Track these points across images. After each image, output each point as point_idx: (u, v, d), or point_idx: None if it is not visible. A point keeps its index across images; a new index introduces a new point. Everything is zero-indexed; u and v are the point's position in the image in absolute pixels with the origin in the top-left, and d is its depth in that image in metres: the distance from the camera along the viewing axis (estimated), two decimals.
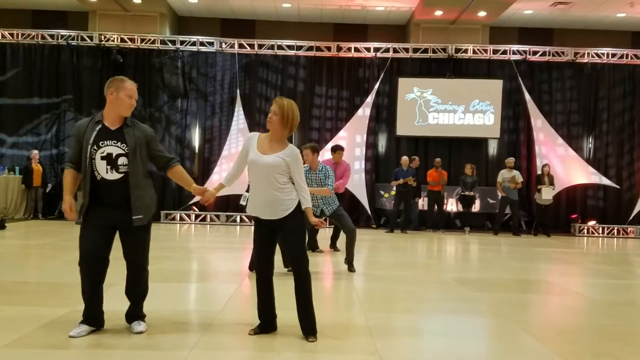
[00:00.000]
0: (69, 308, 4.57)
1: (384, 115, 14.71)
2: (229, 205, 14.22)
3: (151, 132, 4.04)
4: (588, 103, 14.68)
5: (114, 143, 3.80)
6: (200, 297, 5.83)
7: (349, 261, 7.18)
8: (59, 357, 3.51)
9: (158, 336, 3.97)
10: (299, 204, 4.00)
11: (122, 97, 3.85)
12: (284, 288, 4.35)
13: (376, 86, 14.43)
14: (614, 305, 5.62)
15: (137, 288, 4.05)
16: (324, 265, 7.85)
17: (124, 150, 3.81)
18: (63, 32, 14.21)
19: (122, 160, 3.80)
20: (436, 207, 13.55)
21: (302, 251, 4.05)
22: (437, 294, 6.06)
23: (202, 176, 14.18)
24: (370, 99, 14.40)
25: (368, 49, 14.49)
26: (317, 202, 6.87)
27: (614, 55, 14.52)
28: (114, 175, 3.78)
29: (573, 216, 14.52)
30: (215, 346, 3.82)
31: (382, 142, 14.72)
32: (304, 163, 6.79)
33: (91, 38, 14.15)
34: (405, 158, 13.14)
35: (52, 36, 14.17)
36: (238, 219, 14.02)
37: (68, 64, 14.17)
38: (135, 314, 4.09)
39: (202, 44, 14.34)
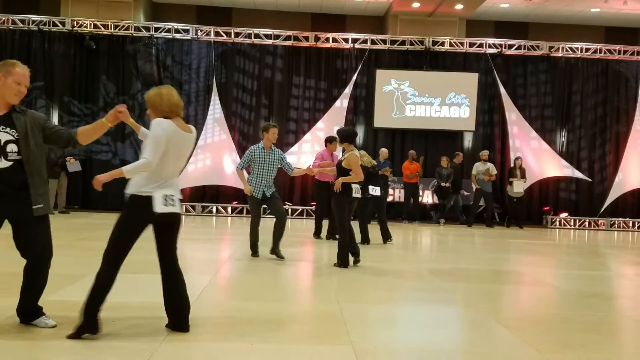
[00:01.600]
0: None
1: (362, 107, 14.72)
2: (205, 195, 14.10)
3: (44, 116, 3.85)
4: (562, 97, 14.89)
5: (2, 129, 3.58)
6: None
7: (275, 248, 6.97)
8: (30, 348, 3.44)
9: (128, 328, 3.91)
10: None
11: (9, 83, 3.59)
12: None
13: (354, 77, 14.41)
14: (585, 296, 5.72)
15: (39, 282, 3.79)
16: (302, 255, 7.83)
17: (13, 136, 3.59)
18: (34, 17, 13.84)
19: (11, 147, 3.57)
20: (412, 199, 13.64)
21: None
22: (411, 284, 6.09)
23: None
24: (348, 91, 14.38)
25: (346, 40, 14.44)
26: (261, 184, 6.87)
27: (587, 50, 14.74)
28: (2, 163, 3.55)
29: (545, 208, 14.76)
30: (187, 338, 3.76)
31: (359, 134, 14.71)
32: (270, 141, 6.87)
33: (63, 24, 13.82)
34: (383, 150, 13.18)
35: (23, 21, 13.78)
36: (214, 210, 13.92)
37: (39, 50, 13.82)
38: (36, 309, 3.82)
39: (177, 31, 14.12)
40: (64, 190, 12.77)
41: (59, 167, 12.38)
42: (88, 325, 3.54)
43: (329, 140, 9.41)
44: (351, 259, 6.83)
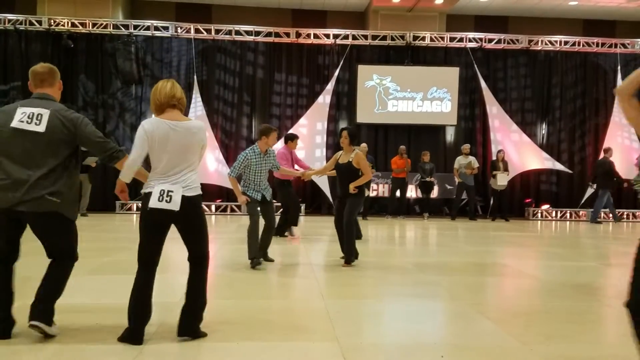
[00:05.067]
0: (19, 302, 4.40)
1: (344, 103, 14.72)
2: None
3: None
4: (541, 90, 15.04)
5: None
6: (156, 288, 5.68)
7: (265, 254, 6.73)
8: (13, 352, 3.38)
9: (112, 329, 3.87)
10: None
11: None
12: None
13: (336, 73, 14.40)
14: (566, 287, 5.79)
15: None
16: (284, 252, 7.82)
17: None
18: (10, 16, 13.61)
19: None
20: (399, 193, 13.68)
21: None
22: (396, 279, 6.11)
23: None
24: (330, 86, 14.38)
25: (327, 36, 14.43)
26: (260, 187, 6.60)
27: (566, 42, 14.89)
28: None
29: (527, 200, 14.91)
30: (172, 337, 3.73)
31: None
32: (269, 145, 6.63)
33: (40, 22, 13.61)
34: (364, 145, 13.20)
35: None
36: None
37: (16, 50, 13.60)
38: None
39: (156, 28, 13.98)
40: (88, 192, 12.44)
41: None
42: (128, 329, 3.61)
43: (290, 138, 9.07)
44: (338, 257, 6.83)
